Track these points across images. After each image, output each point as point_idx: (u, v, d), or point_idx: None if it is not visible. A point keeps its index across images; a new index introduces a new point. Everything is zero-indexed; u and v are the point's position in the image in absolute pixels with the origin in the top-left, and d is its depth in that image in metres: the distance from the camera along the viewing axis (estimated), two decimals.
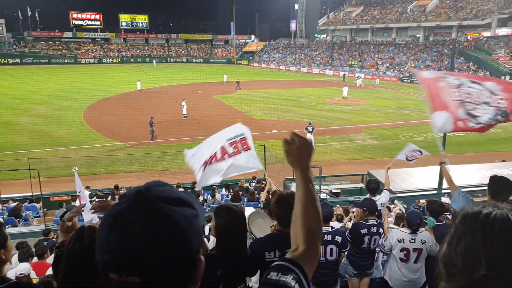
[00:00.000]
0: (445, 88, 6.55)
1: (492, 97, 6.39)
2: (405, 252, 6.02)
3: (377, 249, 6.75)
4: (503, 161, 20.26)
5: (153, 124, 27.07)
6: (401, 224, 8.45)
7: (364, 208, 6.58)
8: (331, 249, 5.71)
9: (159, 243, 1.03)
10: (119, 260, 1.02)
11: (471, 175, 17.05)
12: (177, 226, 1.06)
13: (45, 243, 8.99)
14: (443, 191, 15.00)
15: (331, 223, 6.63)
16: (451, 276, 1.25)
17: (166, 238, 1.04)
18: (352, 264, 6.62)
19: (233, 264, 3.35)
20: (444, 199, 12.92)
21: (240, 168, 7.05)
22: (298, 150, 1.74)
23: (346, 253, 6.70)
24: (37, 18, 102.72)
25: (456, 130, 6.49)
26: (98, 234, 1.09)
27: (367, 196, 8.13)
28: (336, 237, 5.76)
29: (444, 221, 6.91)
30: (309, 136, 25.65)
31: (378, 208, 7.79)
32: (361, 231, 6.38)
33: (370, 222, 6.45)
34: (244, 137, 7.15)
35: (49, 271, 6.99)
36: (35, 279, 6.61)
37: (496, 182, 4.77)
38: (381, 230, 6.58)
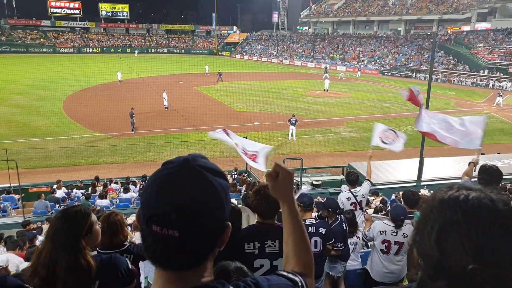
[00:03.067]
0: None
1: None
2: (386, 244, 6.09)
3: (352, 240, 6.89)
4: (482, 153, 20.58)
5: (133, 115, 26.82)
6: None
7: (330, 210, 6.60)
8: (316, 241, 5.64)
9: (200, 205, 1.19)
10: (165, 215, 1.17)
11: (450, 167, 17.32)
12: (216, 193, 1.23)
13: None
14: (422, 183, 15.23)
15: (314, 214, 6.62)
16: (434, 273, 1.15)
17: (207, 202, 1.20)
18: (342, 259, 6.62)
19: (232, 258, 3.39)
20: (423, 191, 13.13)
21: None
22: (283, 183, 1.71)
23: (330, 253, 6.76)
24: (14, 6, 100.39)
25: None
26: (146, 191, 1.23)
27: (331, 197, 8.15)
28: (320, 228, 5.74)
29: None
30: (291, 128, 25.75)
31: (359, 199, 7.88)
32: (343, 227, 6.45)
33: (341, 218, 6.54)
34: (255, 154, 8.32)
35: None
36: (13, 271, 6.53)
37: (486, 171, 4.79)
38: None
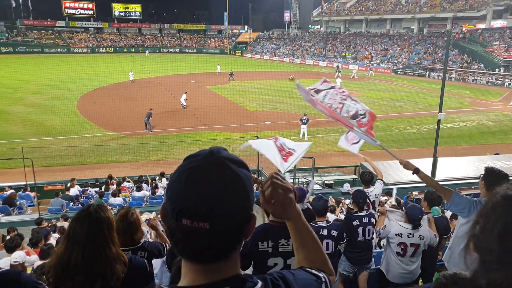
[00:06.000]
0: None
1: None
2: (402, 247, 6.02)
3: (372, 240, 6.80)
4: (496, 153, 20.37)
5: (151, 116, 26.94)
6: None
7: (360, 201, 6.59)
8: (327, 243, 5.70)
9: (228, 196, 1.21)
10: (195, 208, 1.19)
11: (464, 167, 17.17)
12: (242, 183, 1.25)
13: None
14: None
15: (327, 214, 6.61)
16: (487, 265, 1.19)
17: (234, 192, 1.23)
18: (350, 261, 6.62)
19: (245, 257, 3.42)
20: None
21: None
22: (277, 200, 1.49)
23: (343, 250, 6.73)
24: (30, 7, 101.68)
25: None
26: (173, 185, 1.25)
27: (360, 188, 8.12)
28: (332, 231, 5.78)
29: (441, 214, 6.94)
30: (303, 127, 25.71)
31: (372, 199, 7.82)
32: (353, 223, 6.40)
33: (360, 213, 6.49)
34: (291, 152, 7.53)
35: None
36: (29, 267, 6.63)
37: (492, 173, 4.77)
38: (373, 220, 6.59)
